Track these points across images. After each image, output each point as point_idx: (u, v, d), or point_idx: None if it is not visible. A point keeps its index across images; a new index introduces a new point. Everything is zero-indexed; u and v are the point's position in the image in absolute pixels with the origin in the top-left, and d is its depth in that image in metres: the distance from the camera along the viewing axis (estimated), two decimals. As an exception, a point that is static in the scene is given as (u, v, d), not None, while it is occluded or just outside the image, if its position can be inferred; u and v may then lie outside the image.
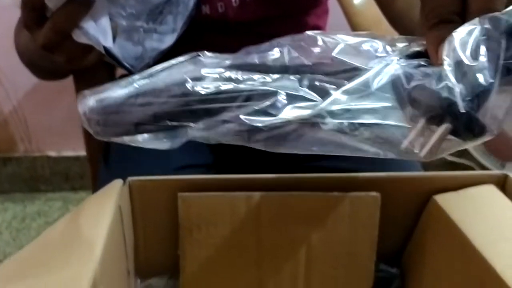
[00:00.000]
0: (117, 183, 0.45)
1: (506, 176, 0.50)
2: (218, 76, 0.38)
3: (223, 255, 0.49)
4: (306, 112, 0.37)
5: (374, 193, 0.49)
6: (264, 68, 0.39)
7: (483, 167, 1.40)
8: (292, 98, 0.38)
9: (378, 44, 0.40)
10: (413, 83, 0.36)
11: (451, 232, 0.47)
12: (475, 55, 0.34)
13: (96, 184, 0.75)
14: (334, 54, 0.39)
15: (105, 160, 0.73)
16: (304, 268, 0.51)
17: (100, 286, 0.36)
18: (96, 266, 0.35)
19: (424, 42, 0.40)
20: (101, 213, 0.40)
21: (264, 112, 0.37)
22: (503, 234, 0.45)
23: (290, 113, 0.37)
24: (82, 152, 1.47)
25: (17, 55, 0.67)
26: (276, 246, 0.49)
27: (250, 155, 0.68)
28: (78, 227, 0.39)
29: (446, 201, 0.50)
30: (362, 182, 0.50)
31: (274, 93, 0.37)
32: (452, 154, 1.59)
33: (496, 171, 0.51)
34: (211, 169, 0.73)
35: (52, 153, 1.46)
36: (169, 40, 0.50)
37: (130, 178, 0.47)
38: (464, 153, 1.59)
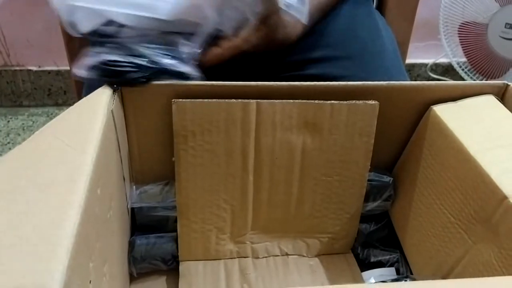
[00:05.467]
0: (108, 88, 0.44)
1: (507, 86, 0.50)
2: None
3: (218, 161, 0.49)
4: None
5: (372, 102, 0.48)
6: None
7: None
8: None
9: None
10: None
11: (448, 141, 0.47)
12: None
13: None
14: None
15: None
16: (299, 175, 0.51)
17: (97, 189, 0.35)
18: (91, 169, 0.34)
19: None
20: (93, 117, 0.39)
21: None
22: (499, 142, 0.45)
23: None
24: (64, 67, 1.42)
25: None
26: (271, 153, 0.49)
27: (233, 66, 0.65)
28: (69, 131, 0.37)
29: (444, 111, 0.50)
30: (360, 91, 0.49)
31: None
32: (436, 72, 1.59)
33: (497, 81, 0.50)
34: None
35: (33, 67, 1.41)
36: None
37: None
38: (448, 71, 1.58)
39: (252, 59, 0.63)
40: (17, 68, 1.41)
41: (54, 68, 1.43)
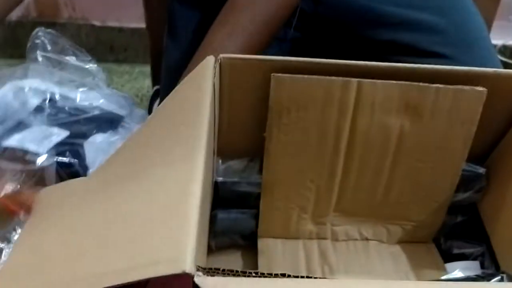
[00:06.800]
0: (210, 61, 0.42)
1: None
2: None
3: (309, 140, 0.47)
4: None
5: (480, 88, 0.45)
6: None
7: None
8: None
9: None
10: None
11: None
12: None
13: (161, 57, 0.72)
14: None
15: (170, 31, 0.69)
16: (391, 160, 0.48)
17: (208, 163, 0.35)
18: (205, 144, 0.33)
19: None
20: (203, 91, 0.38)
21: None
22: None
23: None
24: (127, 24, 1.42)
25: None
26: (367, 134, 0.47)
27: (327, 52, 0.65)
28: (183, 107, 0.37)
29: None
30: (463, 76, 0.46)
31: None
32: (504, 55, 1.49)
33: None
34: None
35: (97, 23, 1.41)
36: None
37: (221, 56, 0.43)
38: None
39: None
40: (81, 22, 1.42)
41: (117, 24, 1.43)
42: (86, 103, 0.68)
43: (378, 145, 0.48)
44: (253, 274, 0.28)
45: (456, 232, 0.55)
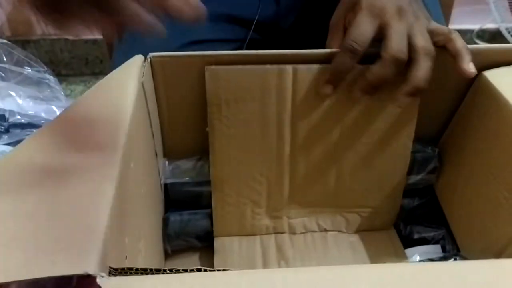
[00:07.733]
0: (138, 59, 0.42)
1: None
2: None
3: (253, 132, 0.46)
4: None
5: (417, 66, 0.44)
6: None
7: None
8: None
9: None
10: None
11: (501, 108, 0.43)
12: None
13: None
14: None
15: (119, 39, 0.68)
16: (337, 146, 0.48)
17: (130, 163, 0.34)
18: (124, 142, 0.33)
19: None
20: (124, 90, 0.37)
21: None
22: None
23: None
24: (100, 36, 1.42)
25: None
26: (309, 121, 0.46)
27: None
28: (101, 105, 0.36)
29: (496, 76, 0.45)
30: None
31: None
32: (482, 38, 1.49)
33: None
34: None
35: (70, 36, 1.41)
36: None
37: (151, 54, 0.43)
38: (496, 37, 1.49)
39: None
40: (55, 37, 1.42)
41: (91, 37, 1.43)
42: (42, 118, 0.67)
43: (322, 131, 0.47)
44: (168, 272, 0.27)
45: (415, 216, 0.54)
